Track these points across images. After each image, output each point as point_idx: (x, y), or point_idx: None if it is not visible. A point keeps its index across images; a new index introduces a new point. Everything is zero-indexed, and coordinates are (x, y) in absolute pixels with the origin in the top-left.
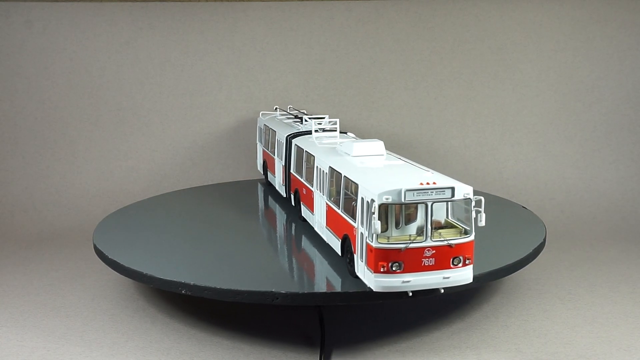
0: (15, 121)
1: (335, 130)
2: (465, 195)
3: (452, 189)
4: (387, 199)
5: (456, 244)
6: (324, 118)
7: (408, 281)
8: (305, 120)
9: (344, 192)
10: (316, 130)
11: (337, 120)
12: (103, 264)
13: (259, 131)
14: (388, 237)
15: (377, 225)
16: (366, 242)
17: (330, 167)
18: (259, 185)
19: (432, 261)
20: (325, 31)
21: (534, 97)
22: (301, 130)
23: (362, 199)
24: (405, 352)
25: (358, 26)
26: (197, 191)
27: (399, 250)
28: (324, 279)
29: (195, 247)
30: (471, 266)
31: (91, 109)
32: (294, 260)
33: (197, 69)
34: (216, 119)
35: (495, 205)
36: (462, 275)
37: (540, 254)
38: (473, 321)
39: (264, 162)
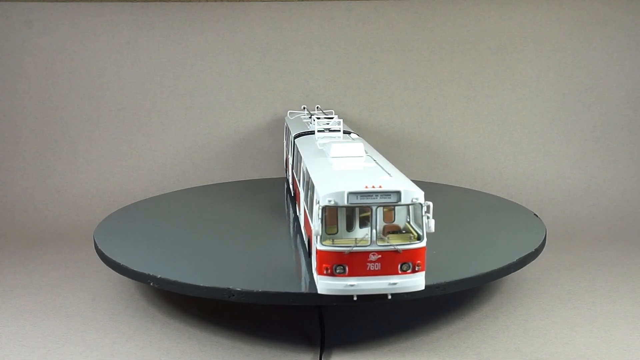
0: (16, 121)
1: (339, 131)
2: (414, 200)
3: (398, 193)
4: (329, 201)
5: (404, 250)
6: (332, 118)
7: (352, 285)
8: (313, 120)
9: (310, 193)
10: (319, 131)
11: (341, 120)
12: (103, 264)
13: (285, 130)
14: (333, 240)
15: (317, 227)
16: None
17: (306, 168)
18: (261, 185)
19: (377, 266)
20: (325, 31)
21: (534, 97)
22: (306, 131)
23: (316, 200)
24: (405, 352)
25: (358, 26)
26: (197, 191)
27: (343, 253)
28: (289, 278)
29: (192, 246)
30: (422, 273)
31: (91, 109)
32: (271, 260)
33: (197, 69)
34: (216, 119)
35: (495, 205)
36: (411, 282)
37: (540, 254)
38: (473, 321)
39: (286, 161)
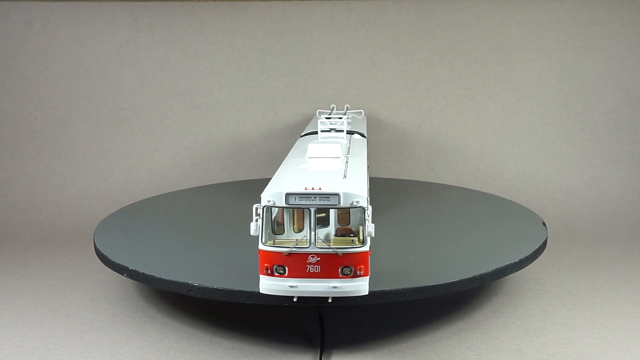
0: (15, 121)
1: (342, 131)
2: (355, 204)
3: (337, 195)
4: (269, 201)
5: (346, 254)
6: (341, 118)
7: (294, 286)
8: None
9: None
10: (323, 131)
11: (344, 120)
12: (102, 264)
13: None
14: (274, 240)
15: (253, 226)
16: None
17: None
18: (261, 185)
19: (317, 268)
20: (325, 31)
21: (534, 97)
22: (311, 131)
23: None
24: (405, 352)
25: (358, 26)
26: (197, 191)
27: (282, 254)
28: (252, 277)
29: (185, 245)
30: (366, 278)
31: (91, 109)
32: (247, 258)
33: (197, 69)
34: (216, 119)
35: (496, 205)
36: (353, 286)
37: (541, 254)
38: (473, 321)
39: None
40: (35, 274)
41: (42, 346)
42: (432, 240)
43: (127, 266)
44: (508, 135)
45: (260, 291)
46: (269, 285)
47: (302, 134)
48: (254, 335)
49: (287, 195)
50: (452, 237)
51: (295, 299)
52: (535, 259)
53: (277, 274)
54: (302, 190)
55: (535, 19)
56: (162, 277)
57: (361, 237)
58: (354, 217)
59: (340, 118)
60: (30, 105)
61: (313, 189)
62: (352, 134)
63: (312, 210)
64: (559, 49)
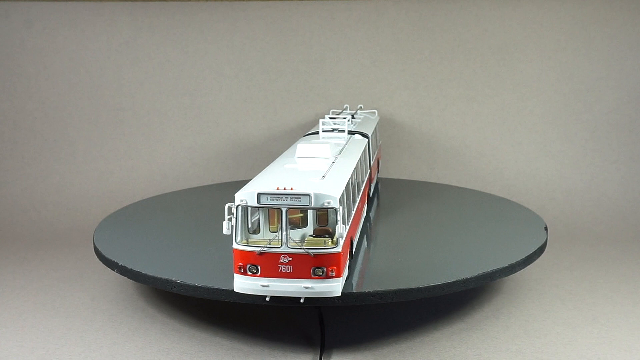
0: (15, 121)
1: (343, 131)
2: (326, 204)
3: (308, 196)
4: (242, 201)
5: (318, 254)
6: (345, 118)
7: (266, 285)
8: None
9: None
10: (325, 131)
11: (345, 120)
12: (103, 264)
13: None
14: (248, 239)
15: (225, 225)
16: None
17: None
18: None
19: (289, 268)
20: (325, 31)
21: (535, 97)
22: (314, 131)
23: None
24: (405, 352)
25: (358, 26)
26: (197, 191)
27: (255, 253)
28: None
29: (187, 245)
30: (338, 279)
31: (91, 109)
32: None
33: (197, 69)
34: (216, 119)
35: (496, 205)
36: (325, 287)
37: (541, 255)
38: (473, 321)
39: None
40: (35, 274)
41: (42, 346)
42: (427, 242)
43: (117, 262)
44: (508, 135)
45: (234, 290)
46: (242, 284)
47: (305, 134)
48: (254, 335)
49: (259, 195)
50: (448, 239)
51: (267, 299)
52: (529, 264)
53: (250, 273)
54: (274, 191)
55: (536, 19)
56: (148, 273)
57: (334, 238)
58: (331, 218)
59: (345, 118)
60: (30, 105)
61: (285, 189)
62: (354, 134)
63: (284, 210)
64: (559, 49)
